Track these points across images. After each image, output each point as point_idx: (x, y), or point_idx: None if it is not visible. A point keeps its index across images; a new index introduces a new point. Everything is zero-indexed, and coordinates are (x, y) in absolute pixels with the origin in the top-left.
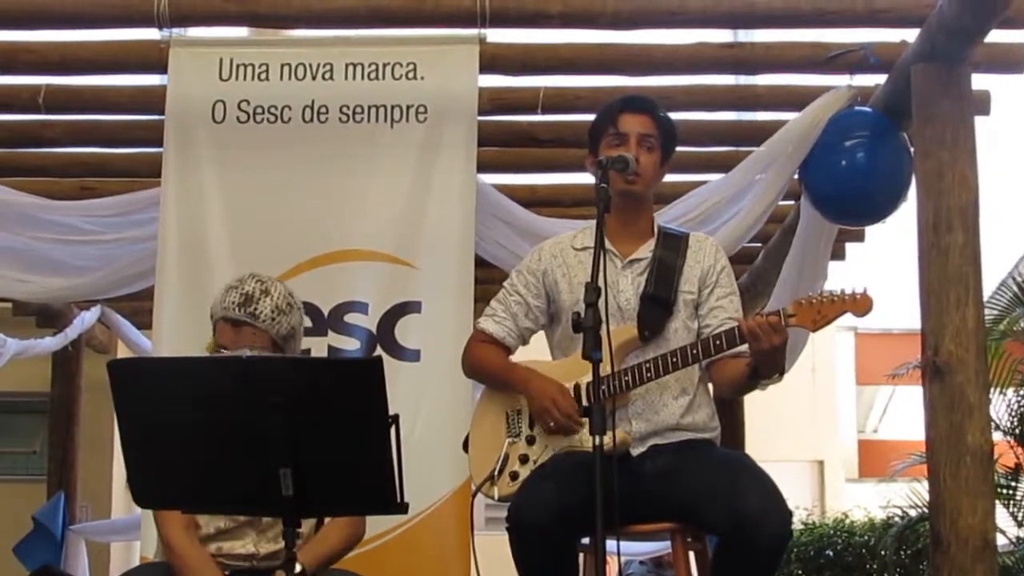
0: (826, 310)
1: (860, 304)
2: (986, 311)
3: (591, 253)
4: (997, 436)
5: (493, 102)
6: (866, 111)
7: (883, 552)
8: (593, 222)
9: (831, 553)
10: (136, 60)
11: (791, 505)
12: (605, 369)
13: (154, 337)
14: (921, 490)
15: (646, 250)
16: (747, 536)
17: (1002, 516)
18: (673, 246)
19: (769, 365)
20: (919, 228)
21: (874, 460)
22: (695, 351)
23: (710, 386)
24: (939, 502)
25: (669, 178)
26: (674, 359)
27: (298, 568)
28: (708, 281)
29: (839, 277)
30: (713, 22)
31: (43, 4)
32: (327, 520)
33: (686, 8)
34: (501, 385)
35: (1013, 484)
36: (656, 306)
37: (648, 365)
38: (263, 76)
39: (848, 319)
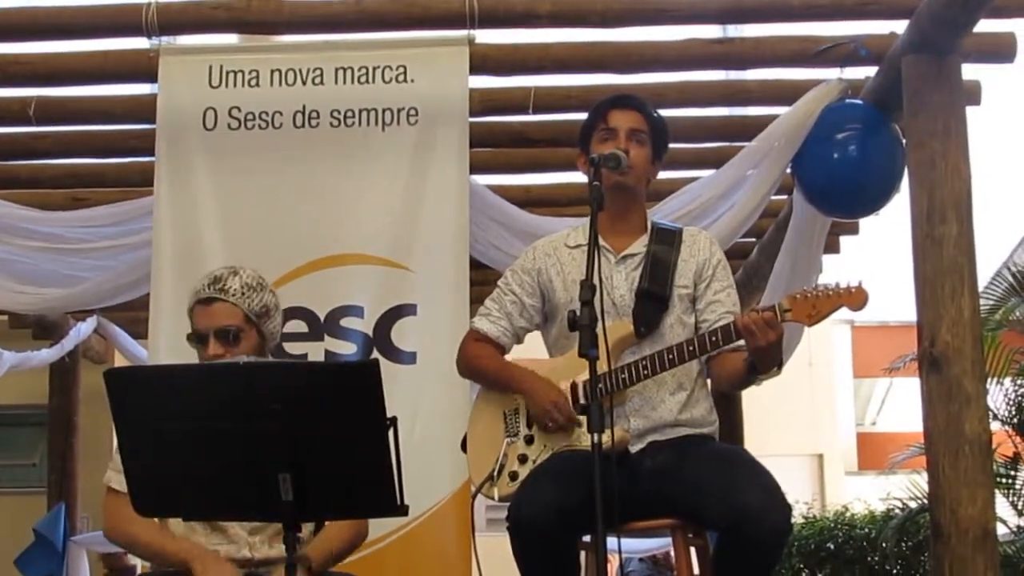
0: (821, 305)
1: (855, 298)
2: (981, 301)
3: (584, 250)
4: (995, 426)
5: (484, 103)
6: (857, 103)
7: (884, 544)
8: (586, 220)
9: (832, 546)
10: (126, 69)
11: (791, 499)
12: (602, 367)
13: (150, 345)
14: (920, 481)
15: (639, 245)
16: (747, 531)
17: (1002, 505)
18: (667, 241)
19: (766, 360)
20: (912, 219)
21: (873, 453)
22: (692, 347)
23: (708, 380)
24: (939, 493)
25: (662, 174)
26: (670, 356)
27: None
28: (704, 275)
29: (834, 270)
30: (702, 18)
31: (31, 15)
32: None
33: (675, 5)
34: (497, 385)
35: (1012, 473)
36: (651, 301)
37: (645, 362)
38: (253, 82)
39: (844, 312)
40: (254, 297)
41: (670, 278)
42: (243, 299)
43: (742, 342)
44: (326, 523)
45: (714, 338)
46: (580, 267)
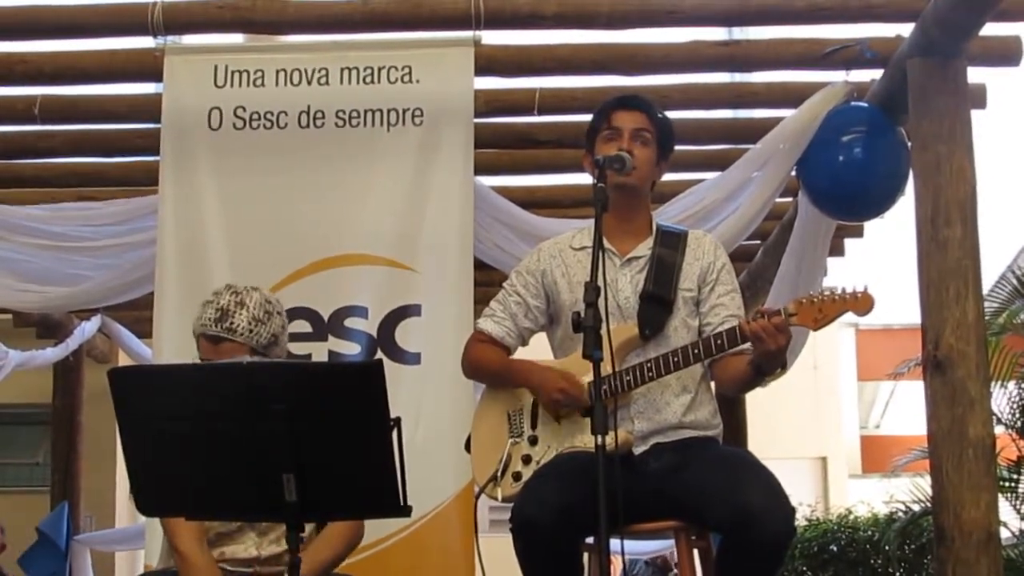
0: (827, 309)
1: (862, 303)
2: (986, 304)
3: (590, 252)
4: (999, 429)
5: (490, 104)
6: (863, 106)
7: (887, 547)
8: (592, 222)
9: (835, 549)
10: (131, 69)
11: (794, 502)
12: (606, 368)
13: (154, 345)
14: (924, 484)
15: (644, 248)
16: (750, 534)
17: (1005, 509)
18: (672, 244)
19: (772, 362)
20: (917, 222)
21: (877, 455)
22: (696, 351)
23: (712, 383)
24: (942, 496)
25: (666, 176)
26: (675, 359)
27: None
28: (708, 279)
29: (838, 273)
30: (708, 20)
31: (36, 13)
32: (326, 525)
33: (681, 7)
34: (501, 382)
35: (1015, 477)
36: (656, 304)
37: (649, 365)
38: (259, 82)
39: (849, 315)
40: (262, 331)
41: (674, 281)
42: (251, 336)
43: (747, 345)
44: (324, 529)
45: (719, 341)
46: (585, 269)
